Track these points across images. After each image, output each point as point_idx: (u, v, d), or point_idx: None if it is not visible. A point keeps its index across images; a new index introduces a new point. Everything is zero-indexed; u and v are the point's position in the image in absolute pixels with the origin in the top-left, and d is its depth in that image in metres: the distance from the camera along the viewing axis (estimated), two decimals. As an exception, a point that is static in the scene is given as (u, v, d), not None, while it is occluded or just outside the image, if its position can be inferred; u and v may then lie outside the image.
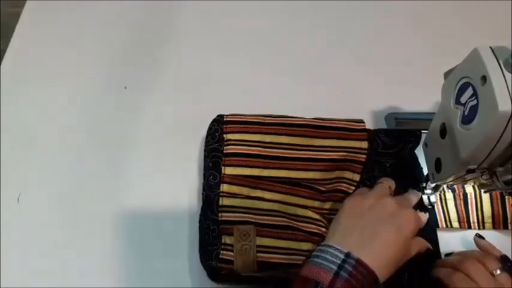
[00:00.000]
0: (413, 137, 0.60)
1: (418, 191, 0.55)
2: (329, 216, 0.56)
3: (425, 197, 0.58)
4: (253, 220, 0.54)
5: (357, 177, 0.58)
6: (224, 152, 0.57)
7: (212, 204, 0.55)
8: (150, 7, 0.78)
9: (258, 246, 0.52)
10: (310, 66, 0.72)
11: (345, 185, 0.58)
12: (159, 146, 0.64)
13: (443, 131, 0.49)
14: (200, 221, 0.55)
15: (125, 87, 0.70)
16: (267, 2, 0.79)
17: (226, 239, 0.53)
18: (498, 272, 0.46)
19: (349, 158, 0.58)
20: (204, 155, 0.59)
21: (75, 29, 0.76)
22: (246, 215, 0.54)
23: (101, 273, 0.56)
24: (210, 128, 0.60)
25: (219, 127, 0.59)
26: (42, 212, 0.59)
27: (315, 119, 0.60)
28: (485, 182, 0.47)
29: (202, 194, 0.56)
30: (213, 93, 0.69)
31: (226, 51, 0.74)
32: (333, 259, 0.40)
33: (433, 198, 0.58)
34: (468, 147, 0.42)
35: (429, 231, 0.54)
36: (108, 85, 0.70)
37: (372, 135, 0.60)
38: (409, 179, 0.58)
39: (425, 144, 0.56)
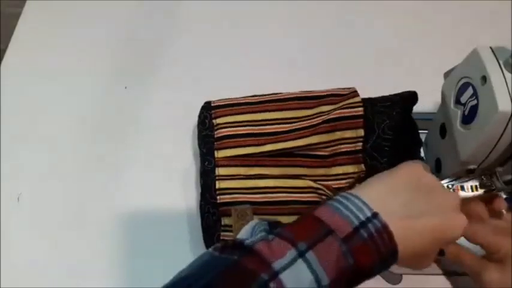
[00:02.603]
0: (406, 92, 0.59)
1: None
2: (335, 182, 0.55)
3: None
4: (251, 199, 0.54)
5: (361, 132, 0.56)
6: (215, 136, 0.58)
7: (210, 189, 0.55)
8: (150, 7, 0.78)
9: None
10: (308, 65, 0.72)
11: (349, 145, 0.56)
12: (159, 145, 0.64)
13: (443, 131, 0.49)
14: (201, 206, 0.55)
15: (125, 87, 0.70)
16: (267, 2, 0.79)
17: (226, 220, 0.53)
18: (504, 211, 0.46)
19: (345, 114, 0.57)
20: (198, 143, 0.59)
21: (75, 29, 0.76)
22: (243, 195, 0.54)
23: (101, 273, 0.56)
24: (199, 116, 0.60)
25: (207, 113, 0.59)
26: (42, 212, 0.59)
27: (302, 91, 0.60)
28: (485, 182, 0.47)
29: (200, 180, 0.57)
30: (213, 93, 0.68)
31: (226, 51, 0.74)
32: (357, 212, 0.34)
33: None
34: (468, 147, 0.42)
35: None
36: (108, 85, 0.70)
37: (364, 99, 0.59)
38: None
39: (425, 144, 0.56)
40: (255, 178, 0.55)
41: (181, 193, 0.61)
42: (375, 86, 0.68)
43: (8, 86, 0.69)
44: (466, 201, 0.46)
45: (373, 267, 0.33)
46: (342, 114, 0.57)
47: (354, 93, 0.59)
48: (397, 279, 0.55)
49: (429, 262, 0.40)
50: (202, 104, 0.65)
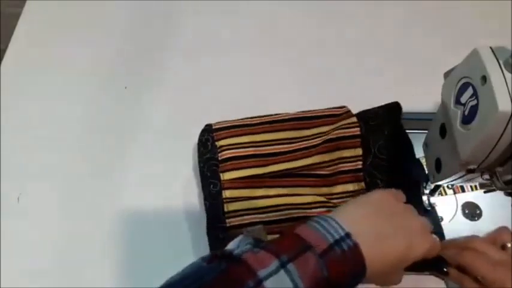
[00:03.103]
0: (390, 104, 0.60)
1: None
2: (340, 200, 0.56)
3: (424, 198, 0.58)
4: (261, 220, 0.53)
5: (359, 151, 0.58)
6: (219, 159, 0.57)
7: (218, 213, 0.54)
8: (151, 7, 0.78)
9: None
10: (308, 69, 0.72)
11: (348, 164, 0.58)
12: (159, 145, 0.64)
13: (443, 131, 0.49)
14: (208, 233, 0.54)
15: (125, 87, 0.70)
16: (267, 3, 0.79)
17: None
18: (509, 245, 0.47)
19: (343, 134, 0.59)
20: (199, 166, 0.58)
21: (75, 29, 0.76)
22: (253, 216, 0.54)
23: (101, 273, 0.56)
24: (200, 139, 0.60)
25: (209, 136, 0.59)
26: (42, 212, 0.59)
27: (298, 112, 0.61)
28: (485, 182, 0.47)
29: (205, 204, 0.56)
30: (213, 93, 0.69)
31: (226, 51, 0.74)
32: (332, 231, 0.38)
33: (432, 200, 0.58)
34: (468, 147, 0.42)
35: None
36: (108, 85, 0.70)
37: (356, 115, 0.61)
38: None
39: (425, 144, 0.56)
40: (260, 199, 0.55)
41: (181, 193, 0.61)
42: (375, 86, 0.68)
43: (8, 86, 0.69)
44: (468, 238, 0.50)
45: (344, 280, 0.37)
46: (340, 135, 0.59)
47: (347, 113, 0.61)
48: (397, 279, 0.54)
49: (398, 278, 0.45)
50: (202, 103, 0.65)
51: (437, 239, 0.45)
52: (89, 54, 0.73)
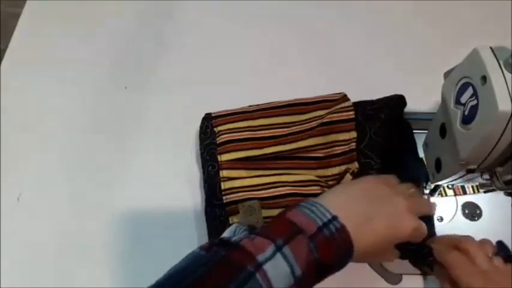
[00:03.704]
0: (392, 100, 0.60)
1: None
2: (333, 183, 0.57)
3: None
4: (257, 196, 0.55)
5: (353, 134, 0.59)
6: (217, 142, 0.59)
7: (215, 191, 0.56)
8: (151, 7, 0.78)
9: (264, 218, 0.53)
10: (308, 66, 0.72)
11: (342, 147, 0.58)
12: (159, 145, 0.64)
13: (443, 131, 0.49)
14: (206, 212, 0.56)
15: (125, 87, 0.70)
16: (267, 3, 0.79)
17: (234, 218, 0.54)
18: (494, 255, 0.47)
19: (337, 118, 0.59)
20: (200, 152, 0.61)
21: (75, 29, 0.76)
22: (249, 193, 0.55)
23: (101, 273, 0.56)
24: (201, 127, 0.62)
25: (208, 123, 0.62)
26: (42, 212, 0.59)
27: (295, 99, 0.62)
28: (485, 182, 0.47)
29: (204, 186, 0.58)
30: (213, 92, 0.69)
31: (226, 51, 0.74)
32: (320, 215, 0.40)
33: (432, 200, 0.58)
34: (468, 147, 0.42)
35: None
36: (108, 85, 0.70)
37: (355, 103, 0.61)
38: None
39: (425, 144, 0.56)
40: (256, 177, 0.57)
41: (182, 192, 0.61)
42: (375, 86, 0.68)
43: (8, 86, 0.69)
44: (460, 236, 0.50)
45: (333, 261, 0.40)
46: (335, 118, 0.59)
47: (344, 97, 0.61)
48: (397, 279, 0.55)
49: (390, 256, 0.48)
50: (202, 103, 0.65)
51: (424, 224, 0.45)
52: (88, 54, 0.73)
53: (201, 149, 0.61)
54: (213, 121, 0.61)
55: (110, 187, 0.61)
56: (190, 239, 0.57)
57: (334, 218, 0.40)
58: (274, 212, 0.54)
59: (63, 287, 0.54)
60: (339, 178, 0.57)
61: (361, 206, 0.43)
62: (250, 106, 0.62)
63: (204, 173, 0.59)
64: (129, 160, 0.63)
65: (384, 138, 0.58)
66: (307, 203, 0.42)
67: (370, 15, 0.78)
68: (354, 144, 0.58)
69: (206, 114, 0.63)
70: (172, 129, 0.66)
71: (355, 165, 0.57)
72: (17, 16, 0.76)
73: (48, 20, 0.77)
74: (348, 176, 0.57)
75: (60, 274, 0.55)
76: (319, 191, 0.55)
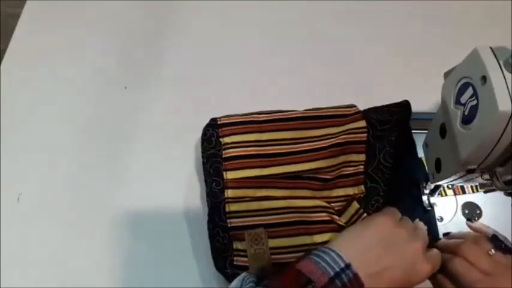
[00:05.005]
0: (401, 106, 0.59)
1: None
2: (336, 204, 0.56)
3: (424, 198, 0.58)
4: (262, 222, 0.53)
5: (362, 157, 0.58)
6: (223, 156, 0.56)
7: (219, 211, 0.54)
8: (151, 7, 0.78)
9: (271, 248, 0.51)
10: (311, 67, 0.72)
11: (350, 168, 0.57)
12: (159, 145, 0.64)
13: (443, 131, 0.49)
14: (209, 228, 0.54)
15: (125, 87, 0.70)
16: (266, 3, 0.79)
17: (238, 245, 0.52)
18: (493, 251, 0.47)
19: (350, 139, 0.58)
20: (203, 161, 0.58)
21: (75, 29, 0.76)
22: (255, 218, 0.53)
23: (101, 273, 0.56)
24: (204, 133, 0.59)
25: (214, 131, 0.58)
26: (42, 212, 0.59)
27: (307, 110, 0.60)
28: (485, 182, 0.47)
29: (207, 201, 0.56)
30: (213, 93, 0.69)
31: (226, 51, 0.74)
32: (332, 264, 0.40)
33: (432, 200, 0.58)
34: (468, 147, 0.42)
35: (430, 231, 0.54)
36: (108, 85, 0.70)
37: (365, 114, 0.59)
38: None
39: (426, 144, 0.56)
40: (262, 200, 0.54)
41: (182, 192, 0.61)
42: (375, 86, 0.68)
43: (8, 86, 0.69)
44: (458, 242, 0.49)
45: None
46: (348, 139, 0.58)
47: (357, 114, 0.59)
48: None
49: None
50: (201, 103, 0.65)
51: (438, 254, 0.46)
52: (89, 54, 0.73)
53: (203, 157, 0.58)
54: (219, 130, 0.58)
55: (110, 187, 0.61)
56: (190, 239, 0.58)
57: (348, 266, 0.40)
58: (281, 242, 0.52)
59: (63, 287, 0.54)
60: (344, 201, 0.56)
61: (376, 253, 0.43)
62: (259, 114, 0.59)
63: (206, 186, 0.56)
64: (129, 160, 0.63)
65: (393, 165, 0.57)
66: (319, 251, 0.42)
67: (370, 15, 0.78)
68: (362, 167, 0.57)
69: (211, 120, 0.59)
70: (172, 129, 0.66)
71: (361, 190, 0.57)
72: (17, 16, 0.76)
73: (48, 20, 0.77)
74: (357, 207, 0.55)
75: (60, 274, 0.55)
76: (327, 218, 0.53)
